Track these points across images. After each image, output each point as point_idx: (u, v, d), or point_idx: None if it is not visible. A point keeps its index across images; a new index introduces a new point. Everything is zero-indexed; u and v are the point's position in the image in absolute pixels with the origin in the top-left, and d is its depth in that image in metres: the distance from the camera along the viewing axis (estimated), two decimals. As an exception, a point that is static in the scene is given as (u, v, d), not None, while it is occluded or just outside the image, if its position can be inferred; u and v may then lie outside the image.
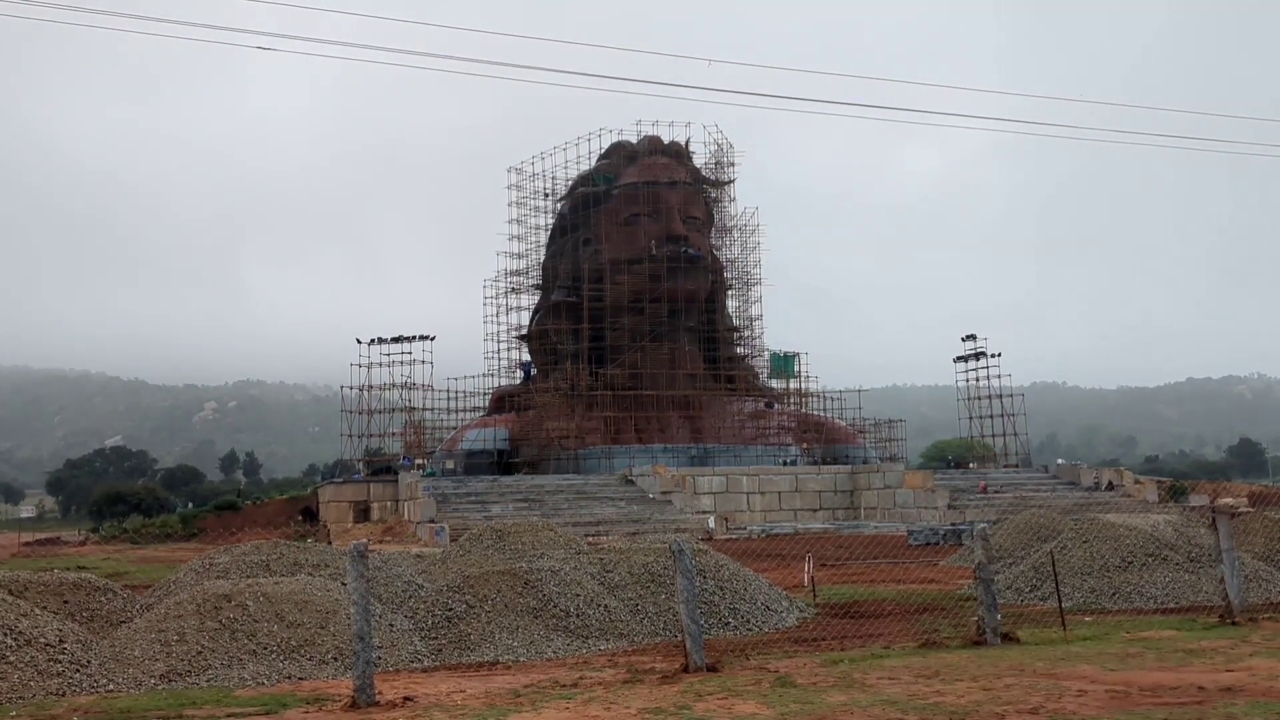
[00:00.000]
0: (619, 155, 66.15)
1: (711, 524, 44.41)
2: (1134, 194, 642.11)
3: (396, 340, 58.05)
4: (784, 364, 65.33)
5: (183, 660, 12.21)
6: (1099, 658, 11.24)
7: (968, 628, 13.44)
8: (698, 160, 67.27)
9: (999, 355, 64.24)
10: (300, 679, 12.00)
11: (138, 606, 14.87)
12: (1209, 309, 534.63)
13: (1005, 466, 62.57)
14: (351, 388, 58.56)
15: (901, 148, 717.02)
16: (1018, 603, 17.42)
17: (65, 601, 14.02)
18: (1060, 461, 76.45)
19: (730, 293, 68.45)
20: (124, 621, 14.00)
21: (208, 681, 11.86)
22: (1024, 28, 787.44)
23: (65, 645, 11.95)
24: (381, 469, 55.90)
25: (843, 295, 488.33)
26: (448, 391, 64.16)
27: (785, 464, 58.52)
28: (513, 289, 66.83)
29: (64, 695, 11.13)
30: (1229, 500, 45.80)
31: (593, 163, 66.28)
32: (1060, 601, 15.14)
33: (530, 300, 67.74)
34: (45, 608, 13.23)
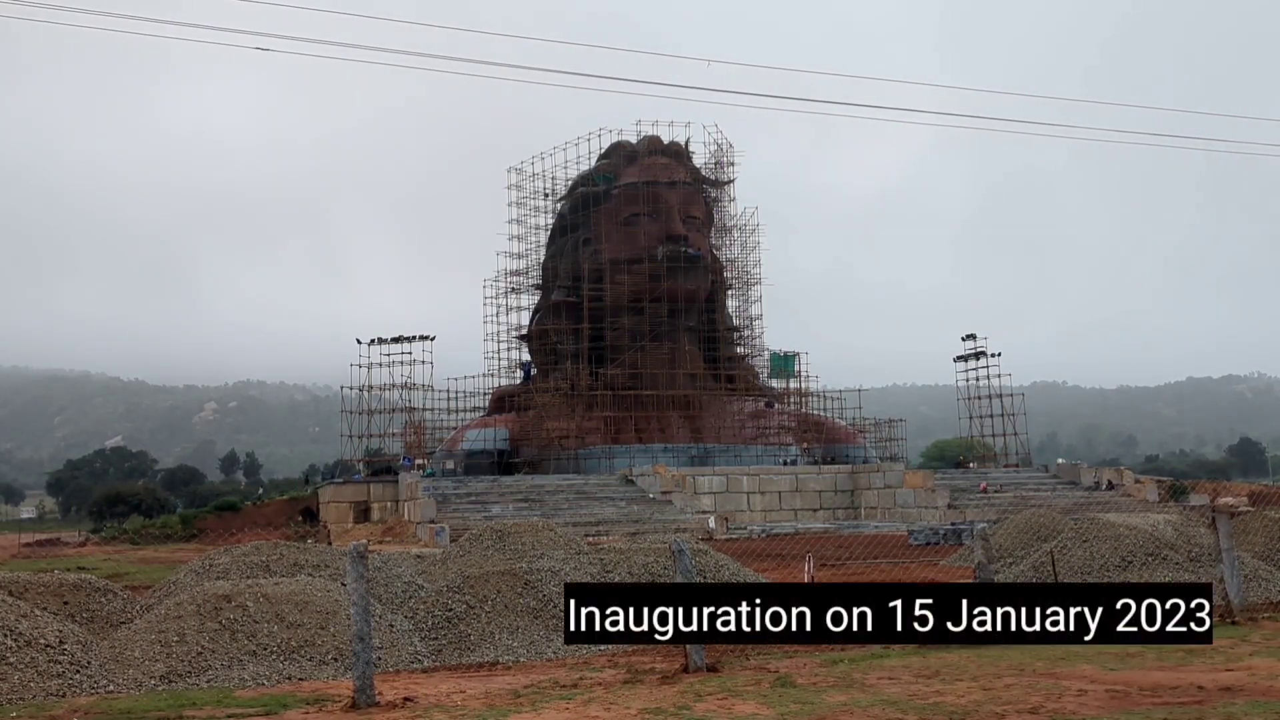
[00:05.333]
0: (619, 155, 66.17)
1: (712, 524, 44.38)
2: (1092, 190, 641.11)
3: (396, 340, 58.03)
4: (784, 364, 65.37)
5: (183, 661, 12.21)
6: (1099, 657, 11.22)
7: (968, 627, 13.42)
8: (698, 160, 67.31)
9: (999, 355, 64.31)
10: (300, 680, 11.99)
11: (138, 607, 14.85)
12: (1170, 306, 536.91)
13: (1005, 466, 62.56)
14: (351, 388, 58.60)
15: (851, 145, 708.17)
16: (1018, 602, 17.39)
17: (65, 602, 14.01)
18: (1060, 461, 76.45)
19: (730, 293, 68.50)
20: (124, 622, 13.99)
21: (208, 682, 11.86)
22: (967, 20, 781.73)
23: (65, 646, 11.94)
24: (381, 469, 55.91)
25: (831, 293, 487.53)
26: (448, 391, 64.22)
27: (785, 464, 58.54)
28: (513, 289, 66.90)
29: (64, 696, 11.13)
30: (1229, 500, 45.79)
31: (593, 163, 66.28)
32: (1060, 601, 15.11)
33: (530, 300, 67.79)
34: (45, 609, 13.22)
